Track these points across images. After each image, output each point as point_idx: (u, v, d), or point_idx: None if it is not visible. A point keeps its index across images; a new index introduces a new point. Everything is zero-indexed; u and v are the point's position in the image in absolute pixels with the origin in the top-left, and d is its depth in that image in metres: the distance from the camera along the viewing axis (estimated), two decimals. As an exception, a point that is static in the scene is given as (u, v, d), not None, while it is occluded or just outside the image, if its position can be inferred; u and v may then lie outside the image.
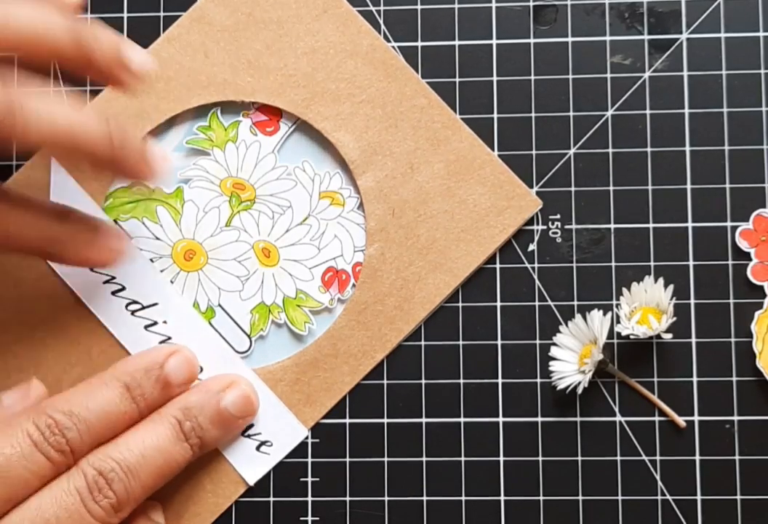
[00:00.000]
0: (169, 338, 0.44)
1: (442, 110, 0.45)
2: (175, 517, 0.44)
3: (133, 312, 0.44)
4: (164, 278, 0.45)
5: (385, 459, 0.46)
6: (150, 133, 0.46)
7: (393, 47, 0.47)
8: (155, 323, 0.44)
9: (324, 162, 0.46)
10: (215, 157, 0.46)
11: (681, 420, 0.45)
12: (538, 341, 0.46)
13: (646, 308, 0.45)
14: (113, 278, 0.45)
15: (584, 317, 0.45)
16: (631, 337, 0.44)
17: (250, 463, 0.44)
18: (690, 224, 0.46)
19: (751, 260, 0.46)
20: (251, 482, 0.44)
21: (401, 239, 0.44)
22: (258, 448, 0.44)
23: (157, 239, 0.46)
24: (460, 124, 0.45)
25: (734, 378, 0.45)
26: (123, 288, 0.45)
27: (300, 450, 0.46)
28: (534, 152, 0.47)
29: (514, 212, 0.45)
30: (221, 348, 0.45)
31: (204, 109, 0.46)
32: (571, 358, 0.45)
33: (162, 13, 0.48)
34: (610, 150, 0.47)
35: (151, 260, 0.45)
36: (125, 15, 0.48)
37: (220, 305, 0.46)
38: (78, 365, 0.44)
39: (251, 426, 0.44)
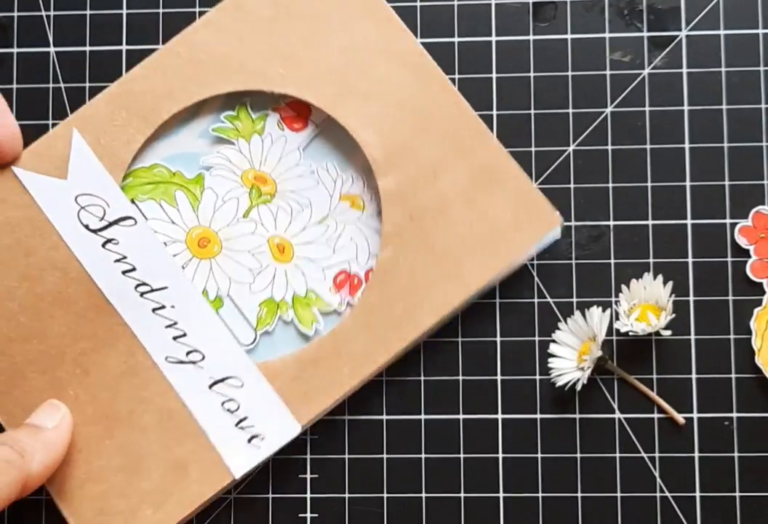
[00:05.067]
0: (175, 323, 0.44)
1: (472, 120, 0.44)
2: (158, 500, 0.43)
3: (142, 294, 0.44)
4: (176, 262, 0.45)
5: (384, 456, 0.46)
6: (175, 116, 0.45)
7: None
8: (163, 306, 0.44)
9: (348, 165, 0.46)
10: (240, 147, 0.46)
11: (680, 417, 0.45)
12: (537, 338, 0.46)
13: (646, 305, 0.45)
14: (125, 257, 0.44)
15: (583, 314, 0.45)
16: (630, 334, 0.44)
17: (238, 455, 0.43)
18: (689, 221, 0.46)
19: (750, 257, 0.46)
20: (237, 474, 0.43)
21: (416, 244, 0.43)
22: (249, 440, 0.43)
23: (173, 223, 0.45)
24: (489, 136, 0.44)
25: (733, 375, 0.45)
26: (134, 269, 0.44)
27: (299, 446, 0.46)
28: (533, 149, 0.47)
29: (534, 229, 0.44)
30: (226, 339, 0.44)
31: (233, 99, 0.46)
32: (570, 355, 0.45)
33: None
34: (610, 147, 0.47)
35: (165, 244, 0.45)
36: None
37: (229, 295, 0.45)
38: (82, 341, 0.44)
39: (245, 417, 0.43)
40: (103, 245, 0.44)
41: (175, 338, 0.44)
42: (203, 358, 0.44)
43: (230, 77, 0.45)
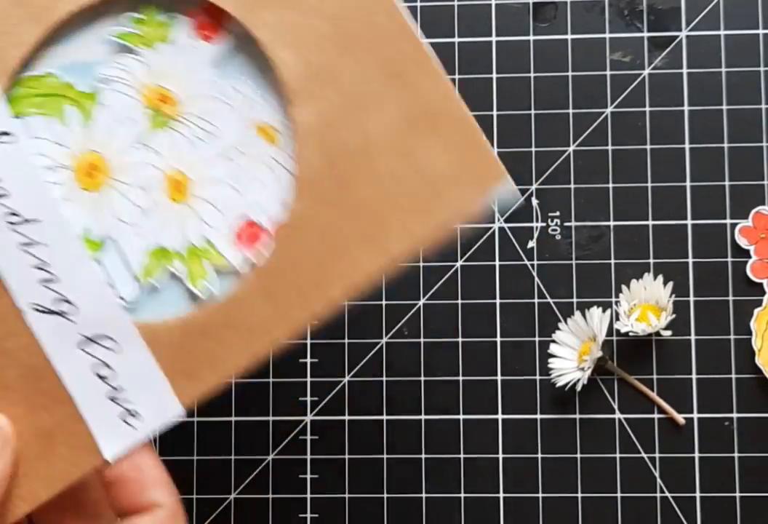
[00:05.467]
0: (46, 264, 0.37)
1: (415, 44, 0.35)
2: (24, 476, 0.37)
3: (11, 224, 0.37)
4: (55, 192, 0.38)
5: (384, 456, 0.46)
6: (76, 18, 0.38)
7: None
8: (33, 243, 0.37)
9: (266, 87, 0.38)
10: (143, 57, 0.38)
11: (680, 417, 0.45)
12: (537, 339, 0.46)
13: (646, 306, 0.45)
14: None
15: (583, 315, 0.45)
16: (631, 334, 0.44)
17: (111, 433, 0.37)
18: (689, 222, 0.46)
19: (750, 257, 0.46)
20: (108, 456, 0.36)
21: (334, 197, 0.36)
22: (123, 418, 0.37)
23: (60, 145, 0.38)
24: (434, 67, 0.36)
25: (733, 375, 0.45)
26: (6, 194, 0.37)
27: (299, 447, 0.46)
28: (533, 149, 0.47)
29: (474, 185, 0.36)
30: (102, 289, 0.37)
31: (139, 0, 0.38)
32: (571, 355, 0.45)
33: None
34: (610, 147, 0.47)
35: (49, 169, 0.38)
36: None
37: (112, 238, 0.38)
38: None
39: (119, 388, 0.37)
40: None
41: (43, 281, 0.37)
42: (76, 310, 0.37)
43: None
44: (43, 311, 0.37)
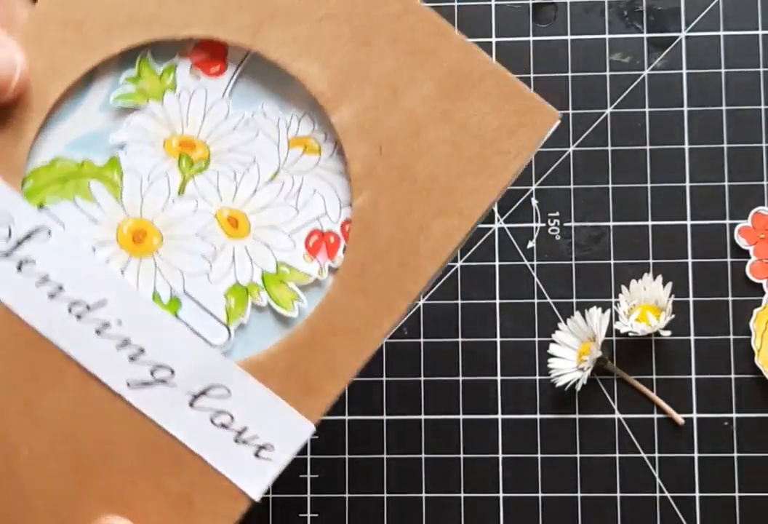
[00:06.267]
0: (128, 340, 0.37)
1: (423, 15, 0.36)
2: None
3: (78, 316, 0.37)
4: (111, 269, 0.37)
5: (384, 456, 0.46)
6: (66, 93, 0.37)
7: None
8: (107, 325, 0.37)
9: (289, 102, 0.38)
10: (152, 112, 0.37)
11: (679, 418, 0.45)
12: (537, 339, 0.46)
13: (645, 306, 0.45)
14: (47, 276, 0.37)
15: (583, 315, 0.45)
16: (630, 334, 0.44)
17: (249, 474, 0.37)
18: (689, 222, 0.46)
19: (749, 257, 0.46)
20: (255, 496, 0.36)
21: (394, 181, 0.36)
22: (257, 454, 0.37)
23: (96, 222, 0.37)
24: (448, 29, 0.36)
25: (733, 376, 0.46)
26: (61, 288, 0.37)
27: (299, 446, 0.46)
28: (533, 150, 0.47)
29: (529, 131, 0.36)
30: (194, 345, 0.37)
31: (130, 56, 0.37)
32: (570, 355, 0.45)
33: None
34: (609, 148, 0.47)
35: (93, 250, 0.37)
36: None
37: (186, 292, 0.38)
38: (23, 388, 0.37)
39: (244, 429, 0.37)
40: (19, 269, 0.37)
41: (132, 358, 0.37)
42: (173, 373, 0.37)
43: (120, 32, 0.36)
44: (141, 386, 0.37)
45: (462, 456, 0.46)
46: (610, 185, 0.47)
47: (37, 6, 0.36)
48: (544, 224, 0.47)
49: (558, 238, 0.46)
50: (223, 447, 0.37)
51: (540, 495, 0.45)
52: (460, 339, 0.46)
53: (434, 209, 0.36)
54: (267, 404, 0.37)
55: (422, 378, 0.46)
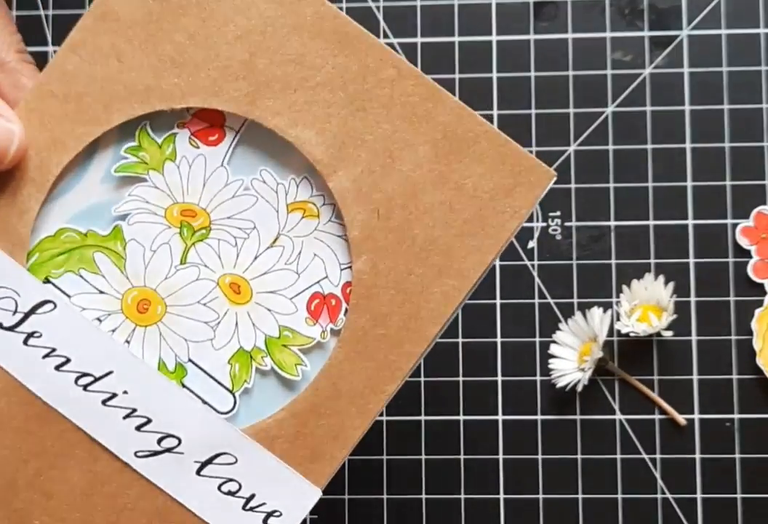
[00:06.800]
0: (134, 410, 0.37)
1: (416, 80, 0.37)
2: None
3: (84, 387, 0.37)
4: (116, 339, 0.38)
5: (384, 457, 0.46)
6: (68, 166, 0.38)
7: (391, 44, 0.47)
8: (114, 395, 0.37)
9: (287, 167, 0.38)
10: (153, 182, 0.38)
11: (681, 418, 0.45)
12: (537, 339, 0.46)
13: (647, 306, 0.45)
14: (54, 349, 0.37)
15: (584, 315, 0.45)
16: (631, 335, 0.44)
17: None
18: (690, 222, 0.46)
19: (751, 257, 0.46)
20: None
21: (393, 244, 0.37)
22: (265, 521, 0.37)
23: (101, 292, 0.38)
24: (441, 94, 0.37)
25: (734, 376, 0.45)
26: (67, 360, 0.37)
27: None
28: (534, 149, 0.47)
29: (526, 190, 0.37)
30: (200, 413, 0.37)
31: (129, 127, 0.38)
32: (571, 356, 0.45)
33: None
34: (611, 147, 0.47)
35: (99, 320, 0.38)
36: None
37: (190, 360, 0.38)
38: (33, 460, 0.37)
39: (252, 496, 0.37)
40: (25, 342, 0.37)
41: (138, 428, 0.37)
42: (180, 442, 0.37)
43: (120, 105, 0.38)
44: (148, 455, 0.37)
45: (462, 457, 0.46)
46: (611, 185, 0.47)
47: (38, 80, 0.37)
48: (544, 224, 0.46)
49: (559, 238, 0.46)
50: (233, 516, 0.37)
51: (541, 496, 0.45)
52: (460, 340, 0.46)
53: (434, 271, 0.37)
54: (274, 471, 0.37)
55: (422, 379, 0.46)
